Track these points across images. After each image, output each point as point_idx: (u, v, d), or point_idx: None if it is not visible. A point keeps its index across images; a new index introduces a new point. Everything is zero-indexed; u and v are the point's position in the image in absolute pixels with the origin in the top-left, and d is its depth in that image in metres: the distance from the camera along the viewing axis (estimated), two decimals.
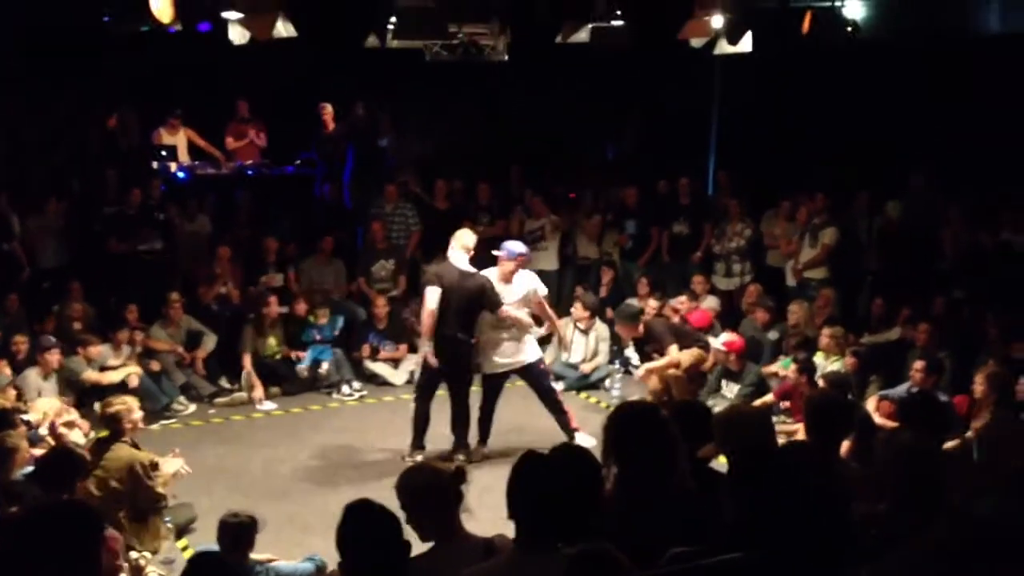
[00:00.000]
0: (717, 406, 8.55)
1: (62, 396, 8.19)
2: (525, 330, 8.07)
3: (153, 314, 9.85)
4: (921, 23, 10.75)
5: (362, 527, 3.32)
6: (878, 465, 4.12)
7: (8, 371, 8.22)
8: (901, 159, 11.01)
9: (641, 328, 9.07)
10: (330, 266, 11.16)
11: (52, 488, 5.19)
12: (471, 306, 7.70)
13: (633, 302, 10.88)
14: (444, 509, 3.67)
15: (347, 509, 3.37)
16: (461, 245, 7.80)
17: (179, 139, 12.02)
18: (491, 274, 7.95)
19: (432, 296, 7.62)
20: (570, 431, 8.04)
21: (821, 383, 7.85)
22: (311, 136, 12.29)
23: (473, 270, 7.76)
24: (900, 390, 7.90)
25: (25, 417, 7.26)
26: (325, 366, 9.96)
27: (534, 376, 8.15)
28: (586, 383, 10.18)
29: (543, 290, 8.28)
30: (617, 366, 10.26)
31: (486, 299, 7.67)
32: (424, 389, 8.03)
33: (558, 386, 10.00)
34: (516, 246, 8.10)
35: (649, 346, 9.14)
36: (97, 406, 7.85)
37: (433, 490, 3.70)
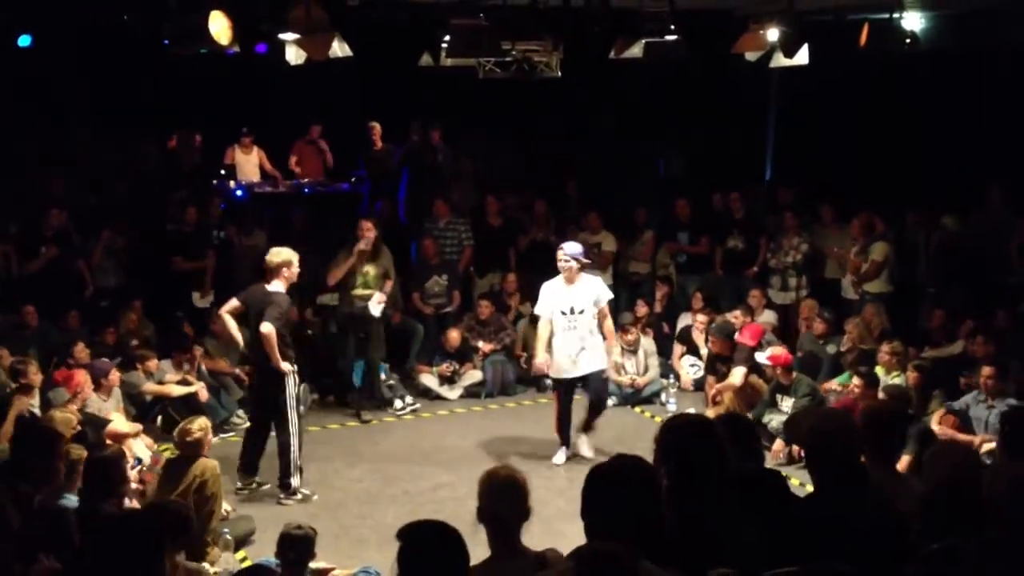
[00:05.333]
0: (773, 421, 8.51)
1: (125, 411, 8.33)
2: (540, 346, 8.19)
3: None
4: (981, 35, 10.57)
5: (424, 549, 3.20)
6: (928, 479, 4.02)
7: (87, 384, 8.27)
8: (962, 172, 10.83)
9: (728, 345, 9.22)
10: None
11: (96, 496, 5.25)
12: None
13: (689, 317, 10.89)
14: (513, 519, 3.67)
15: (406, 533, 3.20)
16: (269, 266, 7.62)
17: (251, 158, 12.21)
18: (555, 279, 8.08)
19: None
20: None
21: (882, 396, 7.75)
22: (360, 154, 12.45)
23: (273, 289, 7.51)
24: (964, 401, 7.78)
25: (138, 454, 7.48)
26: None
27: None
28: (639, 398, 10.13)
29: (606, 297, 8.29)
30: (672, 380, 10.21)
31: (265, 312, 7.39)
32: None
33: (610, 401, 9.99)
34: (572, 247, 8.18)
35: (724, 364, 9.18)
36: (160, 428, 8.03)
37: (512, 494, 3.70)
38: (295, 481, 7.57)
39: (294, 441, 7.53)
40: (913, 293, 10.53)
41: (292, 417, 7.54)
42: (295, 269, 7.64)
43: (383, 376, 9.95)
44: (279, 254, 7.63)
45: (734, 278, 11.44)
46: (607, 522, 3.11)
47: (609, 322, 8.35)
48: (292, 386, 7.53)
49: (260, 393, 7.89)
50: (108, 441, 7.26)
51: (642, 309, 10.86)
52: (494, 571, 3.55)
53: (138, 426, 8.05)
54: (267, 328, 7.34)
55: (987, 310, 9.30)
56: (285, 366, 7.44)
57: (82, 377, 7.90)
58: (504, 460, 8.03)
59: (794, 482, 6.75)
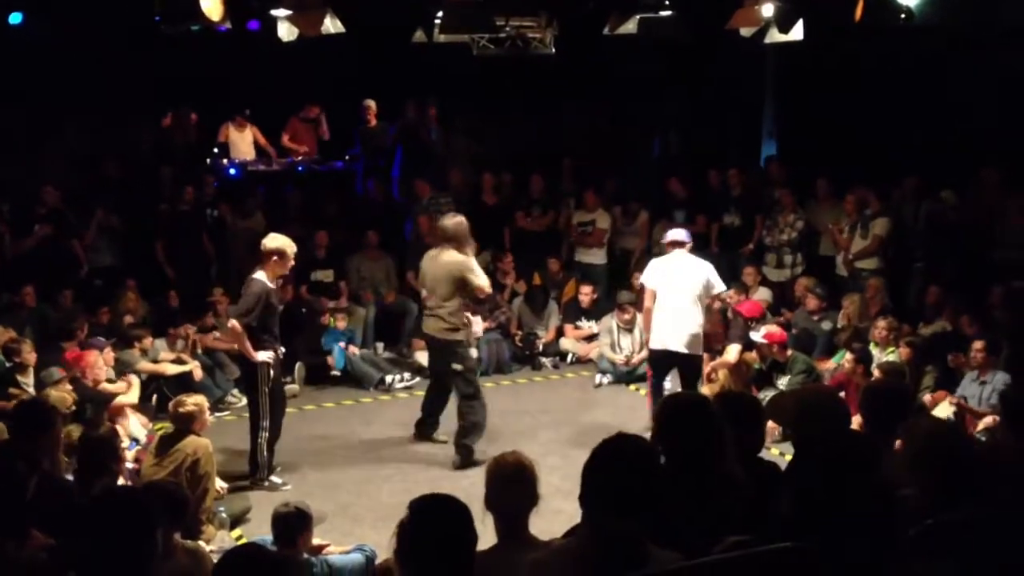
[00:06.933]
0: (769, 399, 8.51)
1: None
2: None
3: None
4: (977, 11, 10.51)
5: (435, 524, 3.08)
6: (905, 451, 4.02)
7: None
8: (956, 149, 10.79)
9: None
10: (380, 261, 11.26)
11: (89, 475, 5.25)
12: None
13: None
14: (521, 507, 3.62)
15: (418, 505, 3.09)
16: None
17: (245, 136, 12.16)
18: None
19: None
20: None
21: (876, 373, 7.75)
22: (355, 131, 12.40)
23: (254, 277, 7.24)
24: (965, 383, 7.79)
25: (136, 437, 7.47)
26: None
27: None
28: (635, 376, 10.14)
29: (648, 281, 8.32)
30: None
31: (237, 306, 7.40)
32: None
33: (606, 379, 9.98)
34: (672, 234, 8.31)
35: (719, 342, 9.17)
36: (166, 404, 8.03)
37: (520, 481, 3.63)
38: (262, 474, 7.34)
39: (263, 435, 7.27)
40: (900, 269, 10.51)
41: (264, 412, 7.27)
42: (288, 259, 7.31)
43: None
44: (274, 240, 7.36)
45: (729, 255, 11.41)
46: (608, 502, 3.09)
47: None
48: (266, 381, 7.25)
49: (244, 381, 7.90)
50: (110, 416, 7.32)
51: (638, 286, 10.84)
52: (501, 559, 3.44)
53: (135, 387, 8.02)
54: (231, 324, 7.27)
55: (979, 286, 9.30)
56: (261, 356, 7.20)
57: (93, 357, 7.87)
58: (498, 438, 8.07)
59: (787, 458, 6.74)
